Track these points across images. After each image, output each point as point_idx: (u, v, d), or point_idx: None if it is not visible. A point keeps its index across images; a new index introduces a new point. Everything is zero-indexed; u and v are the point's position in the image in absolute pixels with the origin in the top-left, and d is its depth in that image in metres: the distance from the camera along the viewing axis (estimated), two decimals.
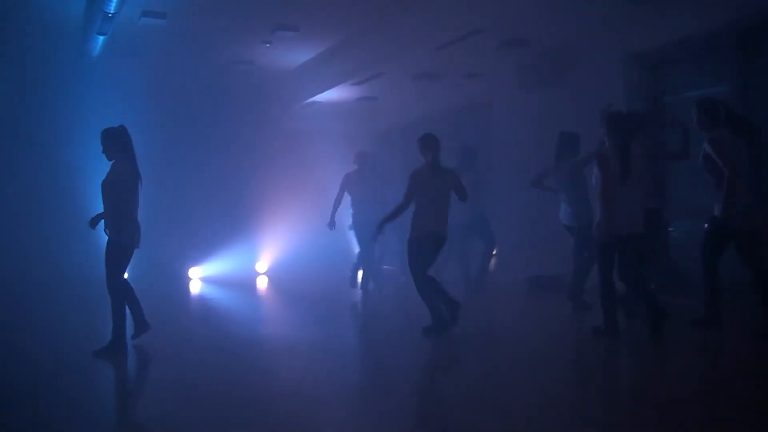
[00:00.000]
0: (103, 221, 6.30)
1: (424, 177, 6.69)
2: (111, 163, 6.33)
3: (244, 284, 11.49)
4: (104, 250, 6.26)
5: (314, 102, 12.55)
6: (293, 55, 10.94)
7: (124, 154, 6.28)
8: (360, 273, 10.05)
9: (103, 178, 6.28)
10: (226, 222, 12.38)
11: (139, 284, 6.58)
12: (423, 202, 6.66)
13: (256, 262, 12.91)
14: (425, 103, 12.07)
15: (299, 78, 11.96)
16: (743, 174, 5.78)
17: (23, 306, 9.23)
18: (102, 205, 6.27)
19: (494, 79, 10.68)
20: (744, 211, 5.74)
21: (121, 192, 6.21)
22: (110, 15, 7.78)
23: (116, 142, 6.28)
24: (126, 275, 6.36)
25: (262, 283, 11.83)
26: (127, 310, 6.33)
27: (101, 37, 8.84)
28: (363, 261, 9.93)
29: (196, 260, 12.18)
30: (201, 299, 9.79)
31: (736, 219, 5.76)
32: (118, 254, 6.23)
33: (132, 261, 6.35)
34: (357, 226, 9.75)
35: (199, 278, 11.99)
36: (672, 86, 8.36)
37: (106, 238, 6.27)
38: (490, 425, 3.94)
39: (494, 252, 9.95)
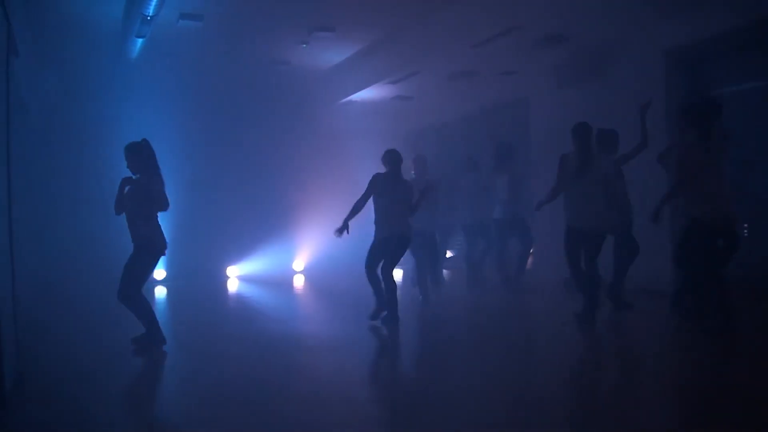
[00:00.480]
0: (130, 230, 6.38)
1: (381, 183, 7.42)
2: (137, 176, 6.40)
3: (281, 283, 11.57)
4: (132, 256, 6.35)
5: (350, 101, 12.59)
6: (329, 55, 10.99)
7: (148, 168, 6.35)
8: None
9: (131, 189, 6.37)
10: (264, 221, 12.47)
11: (177, 283, 6.66)
12: (379, 207, 7.46)
13: (293, 261, 12.99)
14: (461, 102, 12.02)
15: (335, 77, 12.00)
16: (714, 177, 5.84)
17: (68, 305, 9.40)
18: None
19: (531, 77, 10.59)
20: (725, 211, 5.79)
21: (144, 204, 6.29)
22: (149, 18, 7.88)
23: (140, 156, 6.35)
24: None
25: (298, 282, 11.90)
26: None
27: (140, 40, 8.96)
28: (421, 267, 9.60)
29: (233, 259, 12.30)
30: (238, 297, 9.88)
31: (717, 219, 5.80)
32: (147, 261, 6.34)
33: (170, 260, 6.43)
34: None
35: (236, 277, 12.10)
36: (712, 81, 8.21)
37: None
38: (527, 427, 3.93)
39: (531, 251, 9.88)
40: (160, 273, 8.12)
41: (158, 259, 6.43)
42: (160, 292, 9.74)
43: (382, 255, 7.46)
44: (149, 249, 6.33)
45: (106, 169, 10.96)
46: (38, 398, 4.71)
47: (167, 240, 6.50)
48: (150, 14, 7.78)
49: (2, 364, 4.29)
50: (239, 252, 12.28)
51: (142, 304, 6.37)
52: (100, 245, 11.18)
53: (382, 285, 7.43)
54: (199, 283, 10.66)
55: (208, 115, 12.40)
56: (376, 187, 7.39)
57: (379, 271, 7.44)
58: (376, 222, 7.52)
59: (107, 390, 4.97)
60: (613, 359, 5.93)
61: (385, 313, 7.39)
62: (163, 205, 6.35)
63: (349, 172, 12.89)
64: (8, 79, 5.15)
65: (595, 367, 5.57)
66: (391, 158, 7.54)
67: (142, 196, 6.30)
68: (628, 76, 8.80)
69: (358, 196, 7.37)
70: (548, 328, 7.31)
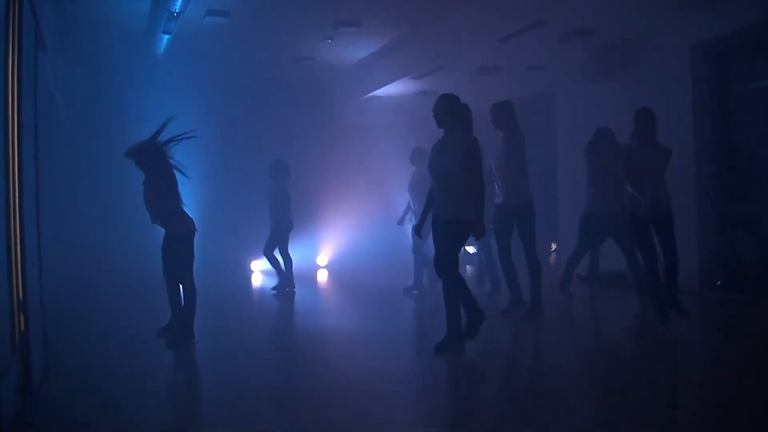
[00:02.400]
0: (158, 218, 6.49)
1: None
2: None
3: (305, 277, 11.60)
4: (162, 246, 6.49)
5: (374, 97, 12.57)
6: (354, 50, 10.99)
7: (157, 164, 6.46)
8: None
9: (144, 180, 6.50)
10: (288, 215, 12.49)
11: (202, 277, 6.71)
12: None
13: (316, 256, 13.01)
14: (486, 97, 11.94)
15: (359, 73, 12.00)
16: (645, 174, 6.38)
17: (95, 297, 9.51)
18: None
19: (556, 72, 10.51)
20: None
21: (160, 189, 6.40)
22: (175, 14, 7.93)
23: (145, 156, 6.47)
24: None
25: (322, 277, 11.92)
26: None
27: (166, 36, 9.03)
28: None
29: (258, 253, 12.33)
30: (262, 292, 9.92)
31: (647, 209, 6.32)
32: (180, 246, 6.42)
33: (195, 254, 6.50)
34: None
35: (260, 271, 12.14)
36: (738, 76, 8.10)
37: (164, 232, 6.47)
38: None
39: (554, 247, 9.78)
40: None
41: (189, 244, 6.49)
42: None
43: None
44: (177, 237, 6.42)
45: (132, 164, 11.11)
46: (66, 389, 4.78)
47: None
48: (176, 10, 7.83)
49: (30, 356, 4.36)
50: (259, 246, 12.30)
51: (187, 293, 6.47)
52: (127, 239, 11.32)
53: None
54: (224, 278, 10.73)
55: (234, 110, 12.48)
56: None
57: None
58: None
59: (134, 381, 5.02)
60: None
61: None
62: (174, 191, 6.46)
63: (374, 167, 12.92)
64: (36, 74, 5.22)
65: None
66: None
67: (156, 189, 6.42)
68: (655, 71, 8.70)
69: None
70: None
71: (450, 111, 5.74)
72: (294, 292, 9.54)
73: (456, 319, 5.50)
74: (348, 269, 12.17)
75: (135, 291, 10.22)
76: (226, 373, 5.37)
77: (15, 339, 4.10)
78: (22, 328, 4.24)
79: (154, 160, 6.41)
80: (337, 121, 13.45)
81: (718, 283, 7.83)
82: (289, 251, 9.65)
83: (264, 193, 9.75)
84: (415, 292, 9.23)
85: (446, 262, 5.45)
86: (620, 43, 9.20)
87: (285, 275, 9.56)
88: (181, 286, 6.45)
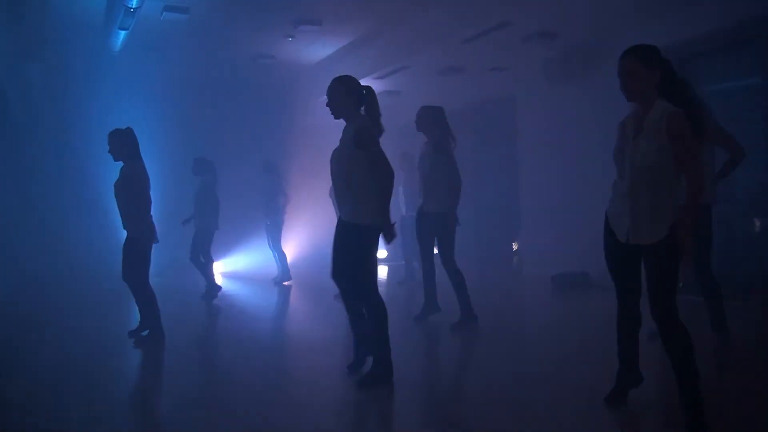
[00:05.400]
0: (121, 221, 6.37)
1: None
2: (120, 166, 6.42)
3: (266, 279, 11.46)
4: (123, 248, 6.34)
5: None
6: (315, 49, 10.89)
7: (130, 156, 6.35)
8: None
9: (115, 180, 6.37)
10: (247, 216, 12.33)
11: (160, 279, 6.59)
12: None
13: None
14: (449, 97, 11.94)
15: (321, 72, 11.89)
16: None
17: (47, 303, 9.27)
18: (115, 206, 6.38)
19: (519, 73, 10.53)
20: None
21: (133, 192, 6.28)
22: (132, 10, 7.77)
23: (123, 143, 6.34)
24: None
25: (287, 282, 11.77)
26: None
27: (123, 32, 8.83)
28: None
29: (217, 255, 12.15)
30: (222, 295, 9.74)
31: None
32: (139, 251, 6.30)
33: (153, 255, 6.41)
34: None
35: (220, 273, 11.96)
36: (702, 79, 8.18)
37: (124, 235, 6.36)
38: (507, 421, 3.86)
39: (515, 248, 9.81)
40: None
41: (148, 250, 6.39)
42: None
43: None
44: (138, 240, 6.31)
45: (89, 162, 10.89)
46: (15, 399, 4.60)
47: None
48: (133, 6, 7.67)
49: None
50: (223, 248, 12.12)
51: (146, 295, 6.38)
52: (82, 240, 11.09)
53: None
54: (183, 280, 10.53)
55: (192, 108, 12.29)
56: None
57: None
58: None
59: (86, 390, 4.85)
60: None
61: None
62: (147, 194, 6.36)
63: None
64: None
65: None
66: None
67: (126, 185, 6.29)
68: (615, 76, 8.73)
69: None
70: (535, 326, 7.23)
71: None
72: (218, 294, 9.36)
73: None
74: (307, 272, 12.02)
75: (86, 292, 10.01)
76: (185, 381, 5.23)
77: None
78: None
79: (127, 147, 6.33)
80: (298, 121, 13.31)
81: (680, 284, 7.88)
82: (210, 252, 9.47)
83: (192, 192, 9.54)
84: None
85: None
86: (583, 46, 9.24)
87: (211, 280, 9.36)
88: (138, 289, 6.38)
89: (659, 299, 3.51)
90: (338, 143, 4.80)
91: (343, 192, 4.69)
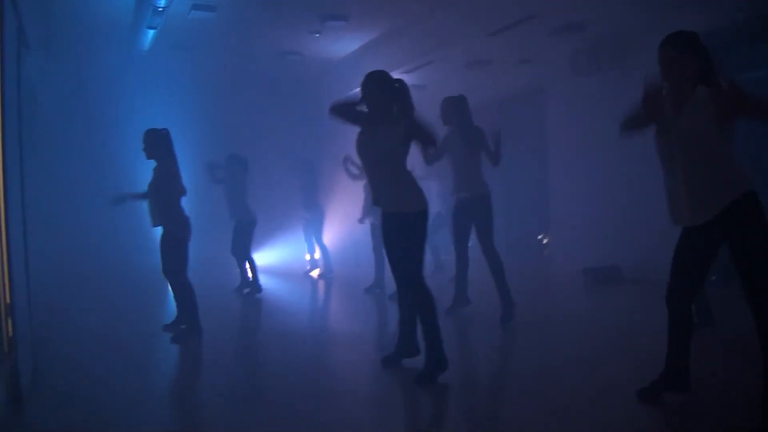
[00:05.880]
0: (150, 215, 6.45)
1: None
2: (154, 166, 6.50)
3: (295, 274, 11.53)
4: (160, 245, 6.40)
5: None
6: (342, 44, 10.90)
7: (163, 155, 6.41)
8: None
9: (149, 181, 6.46)
10: (276, 212, 12.39)
11: (191, 275, 6.64)
12: None
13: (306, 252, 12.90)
14: (476, 91, 11.90)
15: (347, 67, 11.90)
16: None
17: (83, 298, 9.39)
18: (144, 203, 6.48)
19: (547, 66, 10.46)
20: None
21: (168, 190, 6.33)
22: (160, 9, 7.83)
23: (157, 143, 6.39)
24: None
25: (313, 273, 11.82)
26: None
27: (151, 31, 8.90)
28: None
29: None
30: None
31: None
32: (178, 246, 6.39)
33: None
34: None
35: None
36: (730, 68, 8.07)
37: (159, 234, 6.42)
38: (539, 417, 3.84)
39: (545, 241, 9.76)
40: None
41: (186, 245, 6.47)
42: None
43: None
44: (174, 235, 6.39)
45: (118, 160, 11.02)
46: (54, 395, 4.66)
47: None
48: (161, 5, 7.73)
49: (17, 360, 4.24)
50: (253, 243, 12.20)
51: (185, 290, 6.46)
52: (113, 237, 11.22)
53: None
54: (214, 275, 10.61)
55: (220, 106, 12.38)
56: None
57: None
58: None
59: (124, 385, 4.91)
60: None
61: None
62: (182, 190, 6.45)
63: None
64: (19, 71, 5.10)
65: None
66: None
67: (161, 184, 6.37)
68: (645, 65, 8.62)
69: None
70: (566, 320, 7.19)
71: None
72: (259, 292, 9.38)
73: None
74: (339, 266, 12.06)
75: (124, 288, 10.13)
76: (222, 376, 5.28)
77: (3, 345, 4.00)
78: (10, 333, 4.12)
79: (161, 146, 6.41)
80: (324, 117, 13.33)
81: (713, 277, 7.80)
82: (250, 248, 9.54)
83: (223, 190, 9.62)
84: (377, 290, 9.07)
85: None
86: (611, 37, 9.15)
87: (251, 276, 9.41)
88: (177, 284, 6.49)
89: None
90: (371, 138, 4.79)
91: (392, 184, 4.69)
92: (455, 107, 6.86)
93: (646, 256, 8.28)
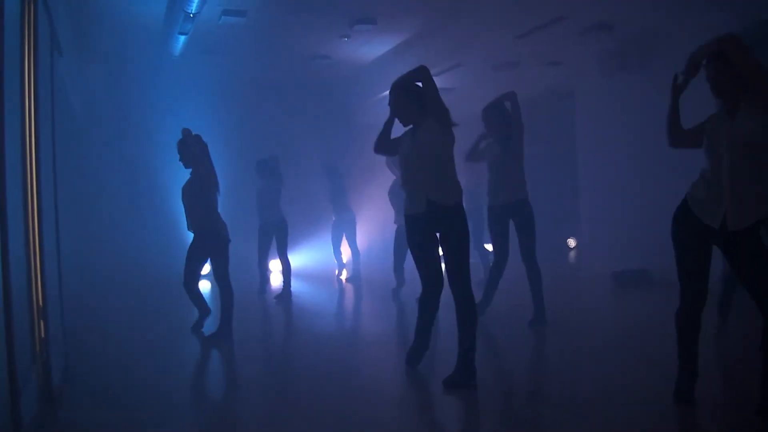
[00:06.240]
0: (186, 220, 6.51)
1: None
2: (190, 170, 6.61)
3: (325, 277, 11.57)
4: (193, 249, 6.56)
5: None
6: (370, 47, 10.92)
7: (200, 163, 6.50)
8: None
9: (184, 183, 6.55)
10: (306, 215, 12.44)
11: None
12: None
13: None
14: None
15: (376, 70, 11.92)
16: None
17: (115, 299, 9.51)
18: (173, 207, 6.57)
19: (576, 67, 10.39)
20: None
21: (206, 193, 6.39)
22: (192, 15, 7.90)
23: (191, 150, 6.47)
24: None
25: (342, 276, 11.85)
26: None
27: (182, 37, 9.00)
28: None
29: (276, 253, 12.30)
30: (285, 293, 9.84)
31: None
32: (223, 248, 6.48)
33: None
34: None
35: (279, 271, 12.07)
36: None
37: (191, 235, 6.51)
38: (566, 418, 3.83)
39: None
40: (205, 267, 8.48)
41: (225, 247, 6.55)
42: (204, 286, 9.78)
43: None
44: (214, 237, 6.46)
45: (151, 165, 11.16)
46: (86, 395, 4.73)
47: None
48: (193, 11, 7.80)
49: (50, 362, 4.32)
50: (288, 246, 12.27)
51: (228, 293, 6.55)
52: (145, 238, 11.34)
53: None
54: (243, 278, 10.67)
55: (250, 110, 12.48)
56: None
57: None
58: None
59: (156, 386, 4.97)
60: None
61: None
62: (217, 188, 6.56)
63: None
64: (53, 77, 5.19)
65: None
66: None
67: (199, 190, 6.47)
68: (675, 65, 8.53)
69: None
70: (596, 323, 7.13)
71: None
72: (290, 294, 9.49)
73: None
74: (366, 269, 12.07)
75: (154, 290, 10.23)
76: (251, 377, 5.33)
77: (35, 346, 4.07)
78: (42, 335, 4.20)
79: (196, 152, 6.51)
80: (354, 119, 13.39)
81: None
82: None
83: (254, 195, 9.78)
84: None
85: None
86: (640, 37, 9.07)
87: (283, 282, 9.55)
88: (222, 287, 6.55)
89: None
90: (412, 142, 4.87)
91: (442, 179, 4.72)
92: (498, 114, 6.92)
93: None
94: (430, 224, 4.76)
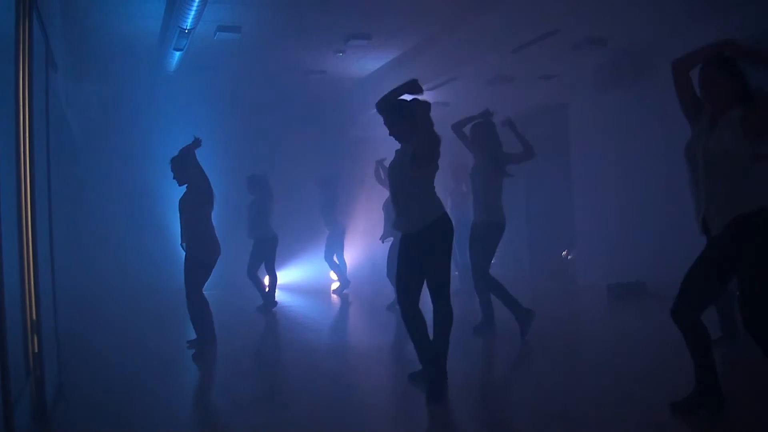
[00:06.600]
0: (180, 236, 6.51)
1: None
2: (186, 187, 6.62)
3: (319, 291, 11.57)
4: (183, 265, 6.45)
5: None
6: (365, 62, 10.97)
7: (193, 178, 6.49)
8: None
9: (181, 196, 6.50)
10: (300, 229, 12.44)
11: (216, 292, 6.70)
12: None
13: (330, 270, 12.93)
14: (498, 107, 11.88)
15: (371, 85, 11.97)
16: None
17: (107, 315, 9.49)
18: (170, 220, 6.56)
19: (569, 81, 10.44)
20: None
21: (198, 209, 6.38)
22: (186, 31, 7.94)
23: (184, 165, 6.44)
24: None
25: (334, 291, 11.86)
26: None
27: (178, 53, 9.04)
28: None
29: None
30: (277, 307, 9.86)
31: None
32: (198, 270, 6.41)
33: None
34: None
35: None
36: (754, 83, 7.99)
37: (184, 253, 6.48)
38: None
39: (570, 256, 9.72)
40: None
41: (208, 269, 6.51)
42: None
43: None
44: (199, 259, 6.43)
45: (146, 181, 11.16)
46: (79, 412, 4.72)
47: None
48: (188, 27, 7.84)
49: (44, 378, 4.30)
50: (277, 261, 12.26)
51: (197, 306, 6.48)
52: (141, 257, 11.34)
53: None
54: (238, 292, 10.68)
55: (245, 125, 12.50)
56: None
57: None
58: None
59: (150, 402, 4.96)
60: None
61: None
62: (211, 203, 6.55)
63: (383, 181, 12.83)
64: (48, 93, 5.20)
65: None
66: None
67: (189, 206, 6.46)
68: (668, 79, 8.58)
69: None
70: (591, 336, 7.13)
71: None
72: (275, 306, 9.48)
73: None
74: (361, 283, 12.07)
75: (147, 306, 10.21)
76: (241, 390, 5.31)
77: (29, 361, 4.05)
78: (36, 350, 4.18)
79: (190, 168, 6.49)
80: (348, 134, 13.43)
81: None
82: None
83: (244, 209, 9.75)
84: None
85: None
86: (633, 52, 9.12)
87: (267, 294, 9.48)
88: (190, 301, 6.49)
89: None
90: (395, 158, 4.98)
91: (407, 205, 4.77)
92: (485, 134, 6.90)
93: (672, 272, 8.17)
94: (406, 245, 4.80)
